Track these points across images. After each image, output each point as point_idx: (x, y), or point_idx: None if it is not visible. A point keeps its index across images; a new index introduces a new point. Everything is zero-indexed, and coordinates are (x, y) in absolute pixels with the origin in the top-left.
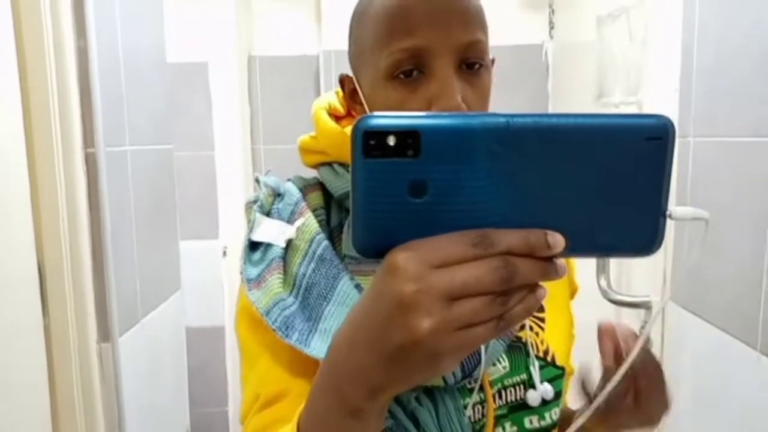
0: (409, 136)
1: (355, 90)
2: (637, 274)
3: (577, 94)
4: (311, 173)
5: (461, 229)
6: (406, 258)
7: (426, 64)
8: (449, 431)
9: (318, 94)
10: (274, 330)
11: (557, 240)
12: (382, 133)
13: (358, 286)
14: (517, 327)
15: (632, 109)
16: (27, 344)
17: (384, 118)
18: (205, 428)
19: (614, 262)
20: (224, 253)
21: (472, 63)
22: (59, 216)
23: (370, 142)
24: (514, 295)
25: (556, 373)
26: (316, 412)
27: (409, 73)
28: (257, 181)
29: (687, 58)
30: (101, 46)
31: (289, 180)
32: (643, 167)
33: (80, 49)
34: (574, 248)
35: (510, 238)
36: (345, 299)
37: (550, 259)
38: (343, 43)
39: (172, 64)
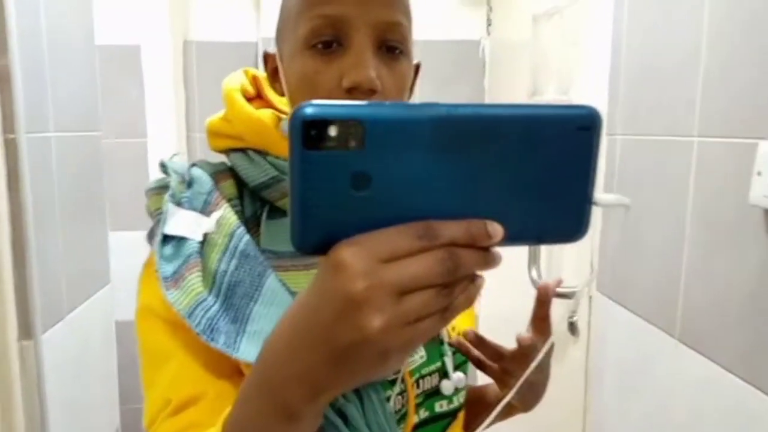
0: (352, 127)
1: (276, 69)
2: (567, 266)
3: (512, 91)
4: (218, 158)
5: (405, 221)
6: (352, 253)
7: (344, 35)
8: (375, 423)
9: None
10: (198, 334)
11: (496, 229)
12: (323, 122)
13: (284, 284)
14: None
15: None
16: None
17: (325, 107)
18: (137, 424)
19: (545, 254)
20: None
21: (393, 47)
22: None
23: (310, 132)
24: (458, 286)
25: (463, 359)
26: (247, 417)
27: (328, 45)
28: (163, 165)
29: (615, 60)
30: (22, 25)
31: (194, 165)
32: (573, 156)
33: None
34: (511, 237)
35: (452, 229)
36: (273, 299)
37: (488, 249)
38: None
39: (101, 47)
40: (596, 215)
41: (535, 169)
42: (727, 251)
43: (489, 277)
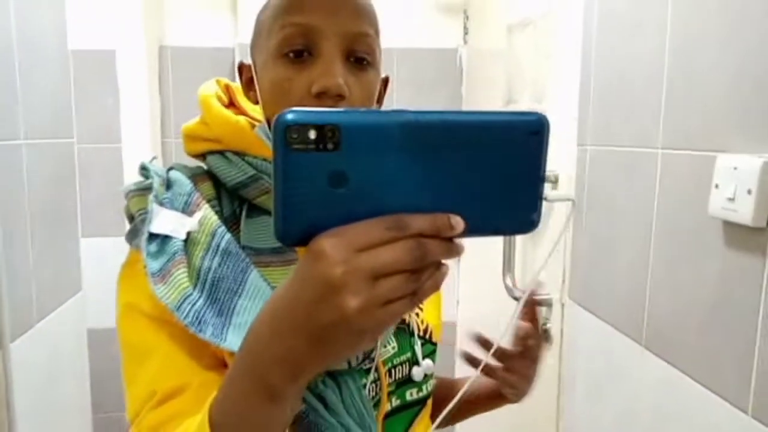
0: (329, 131)
1: (251, 78)
2: (542, 274)
3: (489, 98)
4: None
5: (377, 215)
6: (331, 244)
7: (314, 44)
8: (353, 407)
9: None
10: (186, 326)
11: (458, 222)
12: (303, 126)
13: (265, 279)
14: None
15: None
16: None
17: (305, 113)
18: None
19: (519, 262)
20: None
21: (360, 57)
22: None
23: (292, 135)
24: (425, 272)
25: (432, 349)
26: (232, 400)
27: (299, 54)
28: (144, 168)
29: (585, 72)
30: None
31: (171, 168)
32: (525, 157)
33: None
34: (472, 229)
35: (420, 221)
36: (257, 293)
37: (452, 239)
38: None
39: (76, 52)
40: (568, 230)
41: (492, 169)
42: (689, 261)
43: (466, 284)
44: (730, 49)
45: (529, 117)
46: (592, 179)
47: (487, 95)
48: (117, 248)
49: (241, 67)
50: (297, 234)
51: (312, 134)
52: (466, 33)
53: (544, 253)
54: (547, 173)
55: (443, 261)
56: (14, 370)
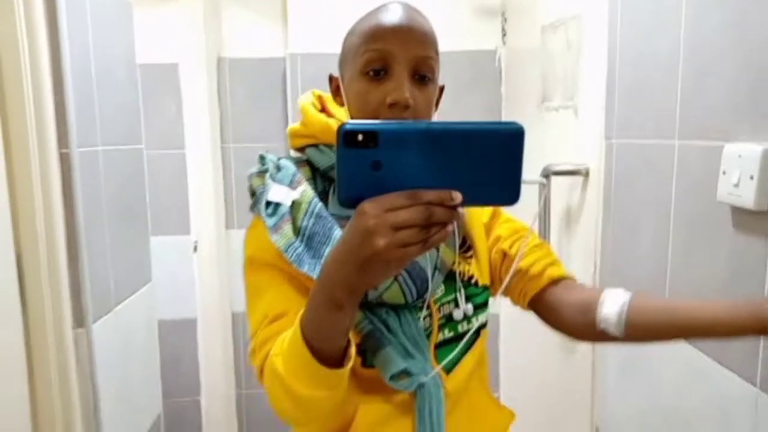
0: (370, 135)
1: (338, 87)
2: (576, 263)
3: (525, 98)
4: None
5: (401, 190)
6: (369, 206)
7: (389, 66)
8: (409, 333)
9: (284, 95)
10: (291, 262)
11: (457, 196)
12: (354, 132)
13: None
14: (450, 263)
15: (569, 113)
16: (6, 329)
17: (355, 125)
18: (178, 417)
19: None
20: (195, 248)
21: (423, 75)
22: (35, 212)
23: (348, 138)
24: (433, 228)
25: (475, 291)
26: (312, 310)
27: (377, 73)
28: (262, 156)
29: (611, 70)
30: (73, 49)
31: (281, 158)
32: (508, 153)
33: (53, 53)
34: (468, 201)
35: (429, 194)
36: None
37: (454, 208)
38: (307, 47)
39: (143, 65)
40: (596, 228)
41: (483, 160)
42: (703, 244)
43: None
44: (736, 44)
45: (511, 126)
46: (619, 170)
47: (524, 94)
48: (181, 245)
49: (331, 78)
50: (350, 200)
51: (360, 137)
52: (504, 34)
53: (577, 244)
54: (578, 167)
55: (447, 222)
56: (96, 348)
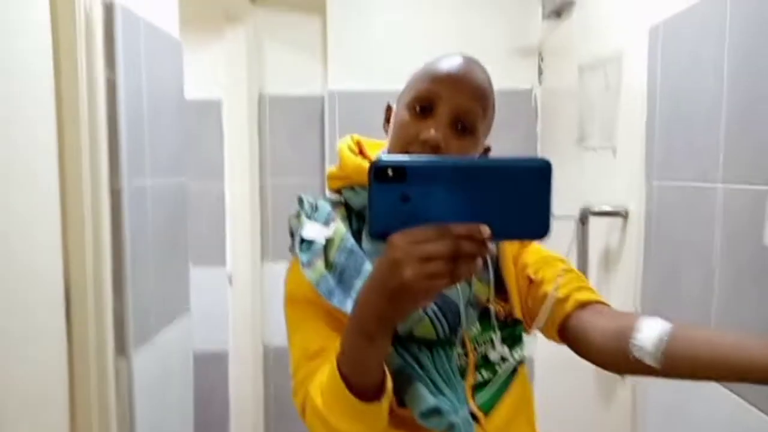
0: (400, 170)
1: (389, 118)
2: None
3: (562, 137)
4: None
5: (430, 223)
6: (398, 239)
7: (434, 106)
8: (442, 370)
9: (322, 131)
10: (321, 295)
11: (485, 230)
12: (384, 168)
13: None
14: (484, 300)
15: (608, 153)
16: (51, 357)
17: (386, 160)
18: None
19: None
20: (230, 281)
21: (464, 126)
22: (85, 245)
23: (378, 173)
24: (462, 261)
25: (511, 332)
26: (346, 343)
27: (423, 110)
28: (300, 199)
29: (651, 110)
30: (127, 86)
31: (319, 199)
32: (538, 188)
33: (109, 93)
34: (496, 236)
35: (457, 229)
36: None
37: (483, 242)
38: (346, 84)
39: (188, 101)
40: (639, 259)
41: (512, 195)
42: (749, 291)
43: None
44: None
45: (538, 161)
46: (659, 212)
47: (561, 134)
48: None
49: (389, 107)
50: (381, 233)
51: (390, 172)
52: (540, 73)
53: (616, 287)
54: (617, 208)
55: (475, 255)
56: (135, 374)
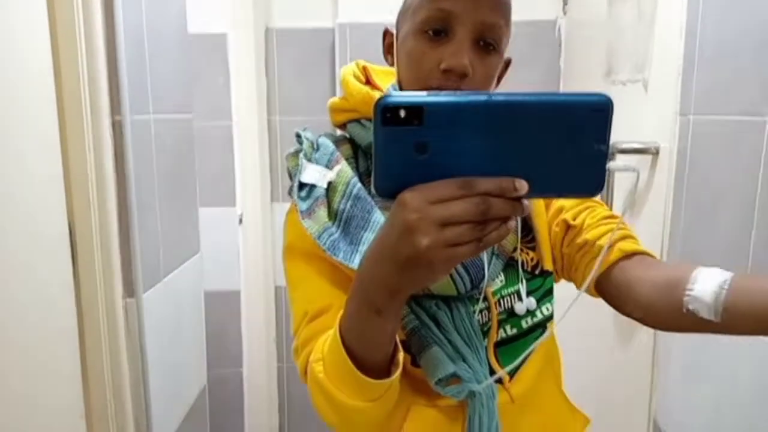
0: (415, 110)
1: (392, 44)
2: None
3: (587, 70)
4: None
5: (451, 177)
6: (411, 196)
7: (451, 27)
8: (462, 329)
9: (333, 66)
10: (324, 250)
11: (522, 185)
12: (395, 107)
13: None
14: (511, 249)
15: (638, 87)
16: (58, 298)
17: (397, 97)
18: (221, 387)
19: None
20: (240, 221)
21: (488, 43)
22: (88, 181)
23: (386, 114)
24: (490, 224)
25: (539, 283)
26: (350, 315)
27: (437, 33)
28: (298, 135)
29: (690, 41)
30: (126, 16)
31: (320, 136)
32: (589, 131)
33: (107, 19)
34: (535, 191)
35: (487, 183)
36: (378, 227)
37: (518, 200)
38: (357, 16)
39: (192, 35)
40: (663, 222)
41: (558, 141)
42: None
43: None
44: None
45: (594, 97)
46: (695, 149)
47: (586, 67)
48: (227, 217)
49: (386, 33)
50: (390, 189)
51: (402, 113)
52: (565, 3)
53: (642, 228)
54: (647, 144)
55: (508, 218)
56: (146, 318)
